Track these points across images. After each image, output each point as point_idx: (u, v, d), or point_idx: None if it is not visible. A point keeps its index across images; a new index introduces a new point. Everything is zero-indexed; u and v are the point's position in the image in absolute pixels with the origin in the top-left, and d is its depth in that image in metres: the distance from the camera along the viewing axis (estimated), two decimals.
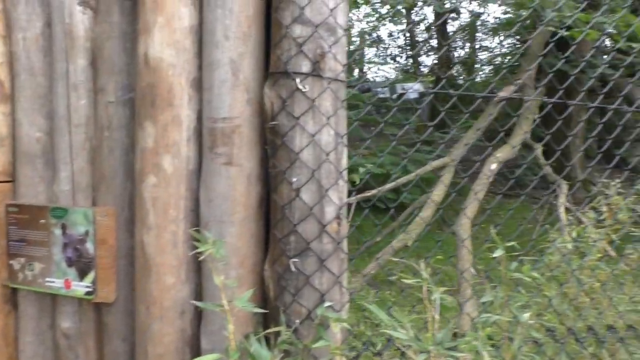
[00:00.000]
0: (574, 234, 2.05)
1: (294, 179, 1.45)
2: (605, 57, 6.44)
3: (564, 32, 4.60)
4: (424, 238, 5.51)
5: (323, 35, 1.46)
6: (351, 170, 5.41)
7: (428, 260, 1.54)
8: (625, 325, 1.95)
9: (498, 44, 9.20)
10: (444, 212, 6.06)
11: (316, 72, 1.45)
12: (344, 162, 1.53)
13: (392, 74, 9.73)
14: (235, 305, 1.28)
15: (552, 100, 2.07)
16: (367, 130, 8.08)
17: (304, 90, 1.44)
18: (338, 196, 1.50)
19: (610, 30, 4.93)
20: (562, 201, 4.51)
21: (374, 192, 4.87)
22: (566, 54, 2.36)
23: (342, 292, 1.51)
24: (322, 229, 1.46)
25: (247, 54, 1.48)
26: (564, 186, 4.63)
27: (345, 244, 1.53)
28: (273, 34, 1.50)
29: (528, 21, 6.60)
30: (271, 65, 1.51)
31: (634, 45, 5.01)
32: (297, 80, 1.44)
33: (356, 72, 10.22)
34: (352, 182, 4.97)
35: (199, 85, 1.51)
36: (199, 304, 1.39)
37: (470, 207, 4.27)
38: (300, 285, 1.46)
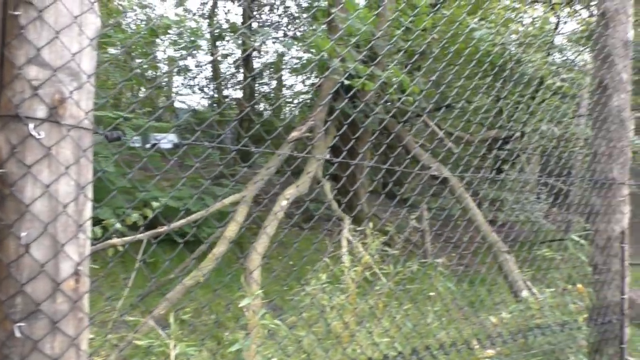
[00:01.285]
0: (335, 271, 2.25)
1: (23, 234, 1.32)
2: (388, 104, 7.34)
3: (346, 81, 5.15)
4: (219, 273, 5.52)
5: (64, 79, 1.37)
6: (145, 203, 5.17)
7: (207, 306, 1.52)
8: (382, 355, 2.19)
9: (301, 82, 9.84)
10: (243, 246, 6.16)
11: (54, 118, 1.35)
12: (87, 213, 1.45)
13: (199, 105, 9.73)
14: None
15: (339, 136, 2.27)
16: (167, 162, 7.85)
17: (38, 136, 1.33)
18: (77, 251, 1.40)
19: (384, 81, 5.67)
20: (345, 234, 4.95)
21: (165, 228, 4.73)
22: (345, 100, 2.62)
23: (80, 355, 1.40)
24: (56, 288, 1.35)
25: None
26: (347, 220, 5.10)
27: (85, 302, 1.43)
28: (4, 73, 1.36)
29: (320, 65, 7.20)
30: (1, 108, 1.36)
31: (401, 96, 5.85)
32: (31, 125, 1.33)
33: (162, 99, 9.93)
34: (144, 217, 4.73)
35: None
36: None
37: (261, 243, 4.41)
38: (26, 352, 1.31)
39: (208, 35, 8.14)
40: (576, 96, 9.05)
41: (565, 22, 7.31)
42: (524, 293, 4.10)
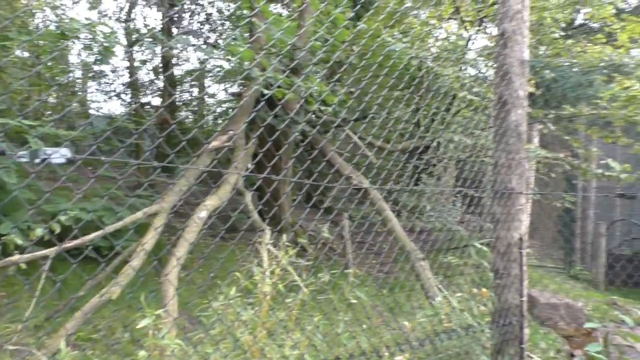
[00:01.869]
0: (246, 284, 2.22)
1: None
2: (311, 114, 7.42)
3: (265, 90, 5.14)
4: (138, 288, 5.28)
5: None
6: (53, 216, 4.86)
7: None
8: None
9: (223, 90, 9.71)
10: (163, 260, 5.93)
11: None
12: None
13: (117, 111, 9.30)
14: None
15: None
16: (84, 172, 7.43)
17: None
18: None
19: (306, 93, 5.72)
20: (266, 246, 4.91)
21: (78, 241, 4.47)
22: (274, 111, 2.60)
23: None
24: None
25: None
26: (268, 231, 5.05)
27: None
28: None
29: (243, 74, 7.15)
30: None
31: (322, 108, 5.93)
32: None
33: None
34: (51, 231, 4.45)
35: None
36: None
37: (181, 255, 4.27)
38: None
39: (124, 40, 7.84)
40: (486, 109, 9.60)
41: (476, 39, 7.77)
42: (438, 298, 4.27)
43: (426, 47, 8.13)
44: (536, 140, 11.75)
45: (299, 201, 8.22)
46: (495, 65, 3.37)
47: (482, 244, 2.74)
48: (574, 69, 10.38)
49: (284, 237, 2.65)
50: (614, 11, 7.45)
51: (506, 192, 3.07)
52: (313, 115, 6.50)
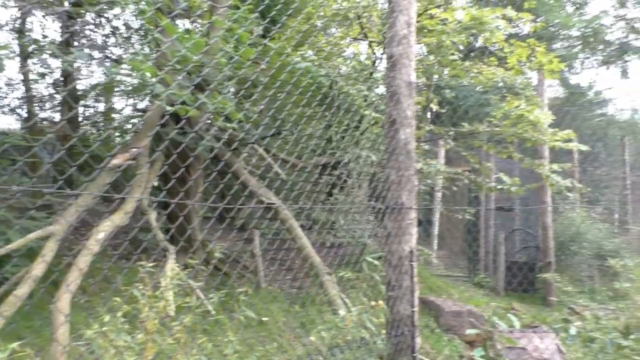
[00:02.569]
0: (127, 309, 2.14)
1: None
2: (214, 130, 7.32)
3: (169, 107, 5.04)
4: (25, 317, 4.90)
5: None
6: None
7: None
8: None
9: (130, 106, 9.36)
10: (59, 286, 5.55)
11: None
12: None
13: (11, 126, 8.63)
14: None
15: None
16: None
17: None
18: None
19: (210, 109, 5.66)
20: (170, 265, 4.76)
21: None
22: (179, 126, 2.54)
23: None
24: None
25: None
26: (171, 248, 4.91)
27: None
28: None
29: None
30: None
31: (228, 125, 5.90)
32: None
33: None
34: None
35: None
36: None
37: (72, 281, 4.03)
38: None
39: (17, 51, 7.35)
40: None
41: (381, 60, 8.12)
42: (341, 312, 4.35)
43: (335, 66, 8.37)
44: (442, 155, 12.41)
45: (210, 219, 8.07)
46: (385, 87, 3.53)
47: (374, 257, 2.84)
48: (476, 89, 11.14)
49: (190, 256, 2.59)
50: (505, 36, 8.08)
51: (397, 207, 3.21)
52: (225, 133, 6.44)
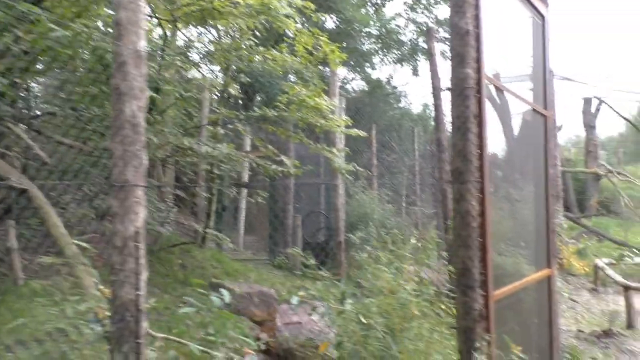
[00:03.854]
0: None
1: None
2: None
3: None
4: None
5: None
6: None
7: None
8: None
9: None
10: None
11: None
12: None
13: None
14: None
15: None
16: None
17: None
18: None
19: None
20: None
21: None
22: None
23: None
24: None
25: None
26: None
27: None
28: None
29: None
30: None
31: None
32: None
33: None
34: None
35: None
36: None
37: None
38: None
39: None
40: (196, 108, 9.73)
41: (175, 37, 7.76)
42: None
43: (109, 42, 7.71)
44: (248, 142, 12.46)
45: None
46: (113, 56, 3.25)
47: (83, 240, 2.60)
48: (273, 75, 11.37)
49: None
50: (298, 25, 8.31)
51: (120, 185, 2.98)
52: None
